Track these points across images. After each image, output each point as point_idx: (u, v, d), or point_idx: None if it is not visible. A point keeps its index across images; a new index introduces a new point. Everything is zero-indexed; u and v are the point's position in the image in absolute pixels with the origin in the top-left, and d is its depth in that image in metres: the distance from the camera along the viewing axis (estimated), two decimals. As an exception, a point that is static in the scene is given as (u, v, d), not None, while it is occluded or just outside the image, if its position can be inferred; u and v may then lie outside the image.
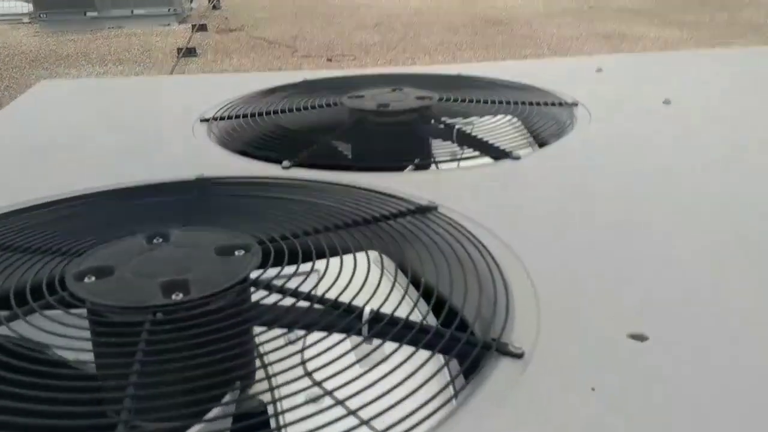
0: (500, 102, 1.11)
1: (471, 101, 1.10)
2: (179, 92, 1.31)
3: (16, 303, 0.56)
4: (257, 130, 1.03)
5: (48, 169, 0.92)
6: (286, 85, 1.24)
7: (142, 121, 1.12)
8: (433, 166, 0.99)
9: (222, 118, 1.08)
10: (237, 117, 1.08)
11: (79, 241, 0.66)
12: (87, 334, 0.52)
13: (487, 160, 0.93)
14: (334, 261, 0.63)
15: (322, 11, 7.02)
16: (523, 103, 1.11)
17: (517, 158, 0.90)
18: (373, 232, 0.70)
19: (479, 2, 7.08)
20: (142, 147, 0.99)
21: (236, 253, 0.58)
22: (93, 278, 0.55)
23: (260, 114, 1.07)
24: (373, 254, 0.66)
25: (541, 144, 1.03)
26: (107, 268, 0.56)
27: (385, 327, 0.55)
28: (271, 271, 0.60)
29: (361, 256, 0.65)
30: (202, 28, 6.24)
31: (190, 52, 5.32)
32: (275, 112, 1.08)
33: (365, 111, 1.02)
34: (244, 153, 0.96)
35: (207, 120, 1.07)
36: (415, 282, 0.63)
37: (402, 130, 1.00)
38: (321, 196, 0.77)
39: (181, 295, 0.52)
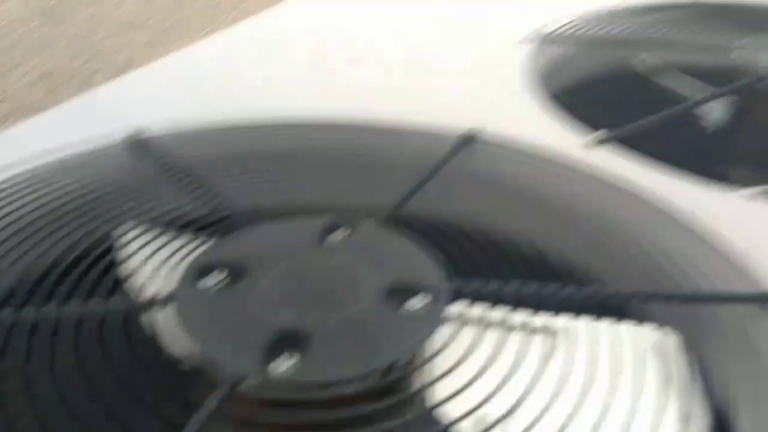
0: None
1: None
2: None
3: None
4: (589, 70, 0.74)
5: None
6: (668, 4, 0.89)
7: (463, 24, 0.91)
8: None
9: (559, 40, 0.81)
10: (577, 42, 0.80)
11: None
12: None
13: None
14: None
15: None
16: None
17: None
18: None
19: None
20: (444, 61, 0.79)
21: (412, 301, 0.38)
22: (222, 277, 0.40)
23: (605, 44, 0.77)
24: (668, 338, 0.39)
25: None
26: (241, 267, 0.40)
27: None
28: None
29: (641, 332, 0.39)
30: None
31: None
32: (627, 46, 0.76)
33: (754, 76, 0.66)
34: (558, 99, 0.70)
35: (540, 38, 0.81)
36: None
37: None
38: (616, 226, 0.50)
39: (285, 365, 0.34)
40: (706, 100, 0.67)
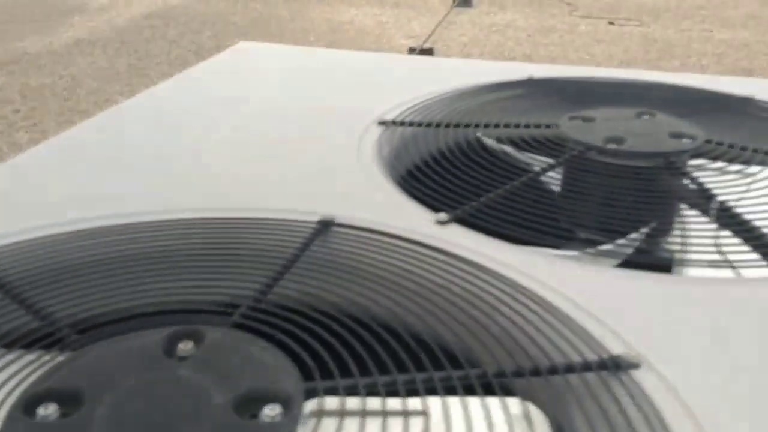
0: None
1: (757, 152, 0.73)
2: (377, 77, 1.09)
3: None
4: (432, 149, 0.78)
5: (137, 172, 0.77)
6: (502, 83, 0.96)
7: (312, 109, 0.93)
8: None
9: (403, 123, 0.84)
10: (420, 124, 0.84)
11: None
12: None
13: (757, 271, 0.58)
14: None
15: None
16: None
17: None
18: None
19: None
20: (296, 149, 0.80)
21: (265, 410, 0.36)
22: (57, 408, 0.36)
23: (447, 125, 0.82)
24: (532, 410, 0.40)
25: None
26: (79, 393, 0.37)
27: None
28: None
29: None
30: (485, -24, 6.04)
31: (465, 1, 5.15)
32: (466, 126, 0.81)
33: (587, 146, 0.71)
34: (404, 181, 0.72)
35: (385, 123, 0.84)
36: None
37: (631, 186, 0.68)
38: (464, 298, 0.51)
39: None
40: (541, 173, 0.72)
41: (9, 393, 0.39)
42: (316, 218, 0.62)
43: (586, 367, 0.45)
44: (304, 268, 0.57)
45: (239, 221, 0.64)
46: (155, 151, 0.80)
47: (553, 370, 0.45)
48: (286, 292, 0.54)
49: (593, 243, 0.65)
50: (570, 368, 0.45)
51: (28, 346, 0.45)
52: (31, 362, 0.43)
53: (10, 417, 0.35)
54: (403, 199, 0.67)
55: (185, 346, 0.39)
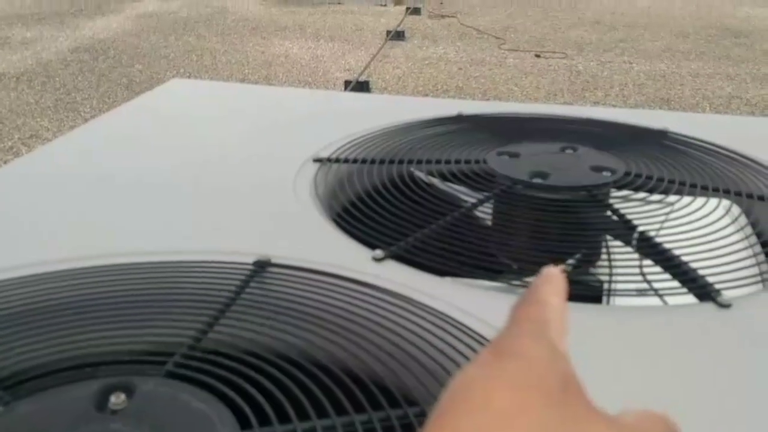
0: (722, 191, 0.77)
1: (673, 182, 0.77)
2: (312, 114, 1.10)
3: None
4: (367, 186, 0.79)
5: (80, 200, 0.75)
6: (433, 119, 0.99)
7: (246, 147, 0.93)
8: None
9: (338, 160, 0.85)
10: (355, 161, 0.85)
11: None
12: None
13: (680, 298, 0.61)
14: None
15: (541, 3, 6.60)
16: (761, 198, 0.76)
17: (726, 306, 0.57)
18: None
19: (715, 10, 6.22)
20: (230, 189, 0.80)
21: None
22: None
23: (381, 161, 0.83)
24: None
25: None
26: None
27: None
28: None
29: None
30: (416, 11, 6.20)
31: (398, 35, 5.26)
32: (399, 162, 0.83)
33: (514, 180, 0.74)
34: (341, 218, 0.73)
35: (321, 160, 0.85)
36: None
37: (557, 218, 0.71)
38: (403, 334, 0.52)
39: None
40: (471, 208, 0.74)
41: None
42: (251, 259, 0.62)
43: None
44: (240, 311, 0.57)
45: (173, 264, 0.63)
46: (85, 192, 0.78)
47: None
48: (221, 337, 0.54)
49: (524, 274, 0.68)
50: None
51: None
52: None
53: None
54: (340, 237, 0.68)
55: (117, 399, 0.38)
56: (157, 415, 0.37)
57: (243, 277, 0.60)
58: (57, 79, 4.13)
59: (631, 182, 0.76)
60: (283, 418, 0.42)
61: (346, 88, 3.33)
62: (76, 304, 0.53)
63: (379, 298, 0.58)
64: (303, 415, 0.42)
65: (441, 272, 0.61)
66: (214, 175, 0.84)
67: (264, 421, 0.41)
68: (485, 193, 0.74)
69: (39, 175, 0.83)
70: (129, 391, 0.39)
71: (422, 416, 0.43)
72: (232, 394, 0.41)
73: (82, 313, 0.52)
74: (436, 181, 0.80)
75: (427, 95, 3.91)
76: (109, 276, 0.57)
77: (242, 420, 0.39)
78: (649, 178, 0.78)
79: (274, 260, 0.62)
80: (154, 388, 0.40)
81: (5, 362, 0.45)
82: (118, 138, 0.97)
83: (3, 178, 0.84)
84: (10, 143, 3.13)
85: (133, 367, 0.44)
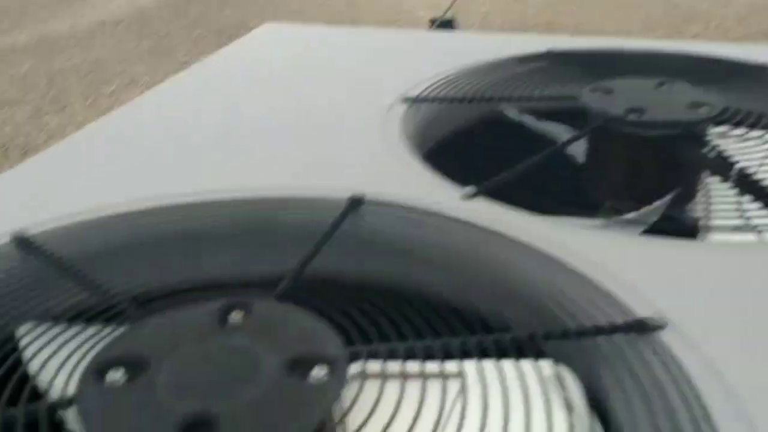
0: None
1: (776, 118, 0.75)
2: (400, 54, 1.11)
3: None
4: (456, 125, 0.80)
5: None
6: (522, 56, 0.98)
7: (337, 89, 0.96)
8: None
9: (427, 100, 0.87)
10: (443, 100, 0.86)
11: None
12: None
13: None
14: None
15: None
16: None
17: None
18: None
19: None
20: (323, 129, 0.83)
21: (313, 372, 0.39)
22: (123, 373, 0.40)
23: (470, 100, 0.84)
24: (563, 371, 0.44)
25: None
26: (142, 360, 0.41)
27: None
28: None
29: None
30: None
31: None
32: (489, 100, 0.83)
33: (607, 117, 0.73)
34: (430, 157, 0.75)
35: (409, 100, 0.86)
36: None
37: (653, 155, 0.70)
38: (486, 269, 0.54)
39: None
40: (564, 145, 0.74)
41: (79, 361, 0.43)
42: (346, 196, 0.65)
43: (614, 329, 0.47)
44: (337, 244, 0.61)
45: (274, 200, 0.67)
46: (192, 135, 0.83)
47: (582, 333, 0.48)
48: (322, 266, 0.57)
49: (619, 212, 0.68)
50: (598, 331, 0.47)
51: (89, 320, 0.49)
52: (94, 334, 0.47)
53: (84, 381, 0.39)
54: (431, 175, 0.70)
55: (236, 317, 0.43)
56: (271, 330, 0.42)
57: (338, 214, 0.64)
58: (152, 25, 4.27)
59: (730, 118, 0.74)
60: (383, 339, 0.45)
61: (431, 27, 3.27)
62: (192, 234, 0.58)
63: (470, 233, 0.60)
64: (401, 337, 0.46)
65: (533, 209, 0.62)
66: (308, 118, 0.87)
67: (366, 340, 0.45)
68: (578, 130, 0.74)
69: (144, 124, 0.88)
70: (246, 310, 0.43)
71: (516, 340, 0.45)
72: (336, 315, 0.45)
73: (198, 243, 0.57)
74: (527, 119, 0.80)
75: (514, 31, 3.80)
76: (220, 209, 0.62)
77: (346, 339, 0.43)
78: (750, 113, 0.75)
79: (367, 198, 0.65)
80: (268, 308, 0.44)
81: (136, 283, 0.50)
82: (216, 82, 1.01)
83: (113, 122, 0.90)
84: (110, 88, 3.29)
85: (246, 290, 0.48)
